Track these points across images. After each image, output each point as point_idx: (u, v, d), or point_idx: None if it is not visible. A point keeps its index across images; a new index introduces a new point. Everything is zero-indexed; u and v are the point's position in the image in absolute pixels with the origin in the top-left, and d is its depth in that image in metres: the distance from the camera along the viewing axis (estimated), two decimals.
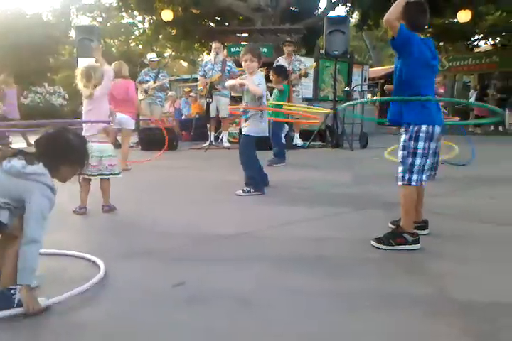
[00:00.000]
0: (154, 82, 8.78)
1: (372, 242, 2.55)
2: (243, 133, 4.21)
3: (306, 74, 8.18)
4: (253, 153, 4.19)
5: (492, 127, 14.87)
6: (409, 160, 2.51)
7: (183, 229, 2.97)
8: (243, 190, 4.08)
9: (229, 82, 4.43)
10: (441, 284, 2.08)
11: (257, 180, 4.15)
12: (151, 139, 7.78)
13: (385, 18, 2.41)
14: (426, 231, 2.75)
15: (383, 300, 1.89)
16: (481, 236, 2.86)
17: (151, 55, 9.43)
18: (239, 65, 7.48)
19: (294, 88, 7.99)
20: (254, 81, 4.05)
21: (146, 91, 8.63)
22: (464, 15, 13.82)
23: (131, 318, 1.74)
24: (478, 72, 19.00)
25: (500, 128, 14.57)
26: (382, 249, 2.50)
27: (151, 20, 17.05)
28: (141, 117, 8.99)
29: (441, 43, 19.71)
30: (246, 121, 4.17)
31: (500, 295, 1.96)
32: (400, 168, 2.56)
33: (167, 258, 2.41)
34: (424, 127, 2.48)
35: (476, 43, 21.49)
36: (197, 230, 2.95)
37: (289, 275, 2.16)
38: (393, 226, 2.87)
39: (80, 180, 3.13)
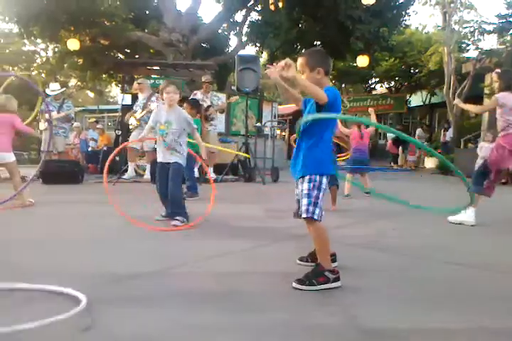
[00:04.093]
0: (58, 112, 8.37)
1: (294, 284, 2.45)
2: (173, 161, 4.23)
3: (222, 111, 8.44)
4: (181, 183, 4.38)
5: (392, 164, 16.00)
6: (315, 192, 2.51)
7: (89, 269, 2.76)
8: (178, 220, 4.10)
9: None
10: (349, 314, 2.11)
11: (185, 209, 4.23)
12: (55, 172, 7.32)
13: (321, 102, 2.41)
14: (335, 264, 2.76)
15: (294, 333, 1.88)
16: (387, 265, 2.99)
17: (54, 86, 8.98)
18: None
19: (212, 121, 8.16)
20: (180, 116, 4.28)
21: (50, 122, 8.18)
22: (362, 60, 15.03)
23: None
24: (376, 112, 20.64)
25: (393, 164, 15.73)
26: (305, 290, 2.41)
27: (56, 49, 16.46)
28: (42, 149, 8.47)
29: (343, 85, 21.19)
30: (168, 149, 4.26)
31: (403, 320, 2.02)
32: (305, 201, 2.52)
33: (74, 300, 2.20)
34: (324, 178, 2.56)
35: (373, 86, 23.40)
36: (104, 269, 2.76)
37: (203, 313, 2.08)
38: (302, 263, 2.90)
39: None
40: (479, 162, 9.20)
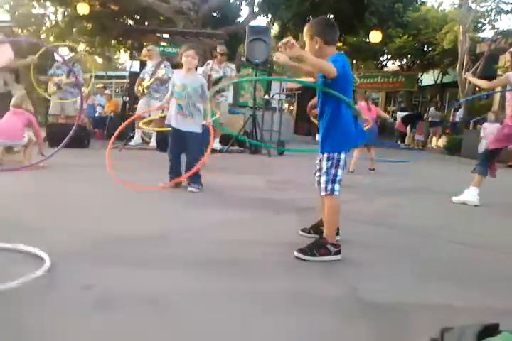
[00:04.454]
0: (67, 76, 8.32)
1: (296, 253, 2.49)
2: (189, 130, 4.24)
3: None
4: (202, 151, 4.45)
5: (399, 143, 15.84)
6: (333, 171, 2.56)
7: (92, 230, 2.80)
8: (194, 187, 4.22)
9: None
10: (351, 286, 2.14)
11: (200, 176, 4.33)
12: (62, 136, 7.31)
13: (331, 76, 2.38)
14: (337, 237, 2.78)
15: (296, 302, 1.92)
16: (390, 241, 3.03)
17: (63, 50, 8.90)
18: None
19: (223, 92, 8.12)
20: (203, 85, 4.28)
21: (58, 86, 8.15)
22: (375, 36, 14.74)
23: (35, 320, 1.60)
24: (386, 89, 20.36)
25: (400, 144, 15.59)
26: (305, 260, 2.45)
27: (65, 13, 16.22)
28: (50, 112, 8.47)
29: (354, 61, 20.85)
30: (182, 114, 4.26)
31: (405, 296, 2.06)
32: (324, 179, 2.58)
33: (74, 259, 2.25)
34: (343, 154, 2.59)
35: (384, 63, 23.04)
36: (107, 231, 2.80)
37: (204, 278, 2.12)
38: (304, 234, 2.94)
39: None
40: (483, 143, 9.17)
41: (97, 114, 11.97)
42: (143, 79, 8.11)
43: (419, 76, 21.19)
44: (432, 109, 16.57)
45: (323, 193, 2.58)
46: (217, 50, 8.37)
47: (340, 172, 2.57)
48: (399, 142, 15.76)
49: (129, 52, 14.78)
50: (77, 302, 1.77)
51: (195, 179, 4.29)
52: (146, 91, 8.02)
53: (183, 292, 1.94)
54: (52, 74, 8.37)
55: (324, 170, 2.58)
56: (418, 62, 21.05)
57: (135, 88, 8.29)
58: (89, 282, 1.94)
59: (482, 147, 9.11)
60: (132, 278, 2.06)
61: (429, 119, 15.45)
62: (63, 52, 8.66)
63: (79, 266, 2.16)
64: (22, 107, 5.44)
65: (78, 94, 9.11)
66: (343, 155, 2.57)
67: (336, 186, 2.55)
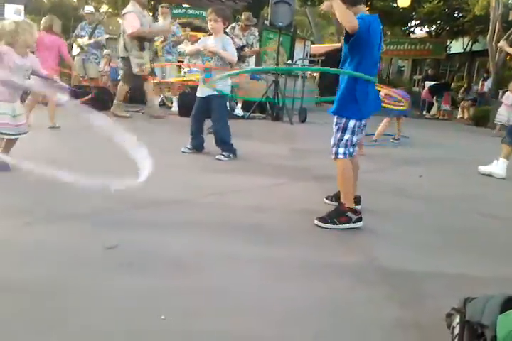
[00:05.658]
0: (89, 38, 8.25)
1: (316, 221, 2.50)
2: (215, 93, 4.15)
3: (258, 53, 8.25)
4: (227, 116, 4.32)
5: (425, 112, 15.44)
6: (339, 134, 2.56)
7: (119, 192, 2.84)
8: (223, 155, 4.13)
9: (190, 50, 4.34)
10: (369, 255, 2.18)
11: (232, 145, 4.22)
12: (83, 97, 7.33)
13: (349, 29, 2.33)
14: (358, 207, 2.78)
15: (313, 268, 1.96)
16: (410, 211, 3.03)
17: (88, 8, 8.89)
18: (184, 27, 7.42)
19: (247, 58, 7.97)
20: (224, 46, 4.11)
21: (81, 47, 8.11)
22: (403, 0, 14.14)
23: (61, 280, 1.67)
24: (413, 57, 19.73)
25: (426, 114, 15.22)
26: (326, 228, 2.46)
27: None
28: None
29: (381, 26, 20.14)
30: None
31: (422, 265, 2.08)
32: (331, 142, 2.61)
33: (101, 221, 2.32)
34: (351, 121, 2.54)
35: (412, 29, 22.22)
36: (134, 194, 2.84)
37: (225, 242, 2.17)
38: (328, 201, 2.96)
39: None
40: (501, 111, 9.02)
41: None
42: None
43: (448, 43, 20.43)
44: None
45: (331, 156, 2.61)
46: (243, 18, 8.12)
47: (347, 136, 2.54)
48: (424, 112, 15.38)
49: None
50: (103, 263, 1.84)
51: (227, 147, 4.23)
52: (159, 53, 7.87)
53: (205, 256, 2.00)
54: (76, 35, 8.33)
55: (334, 133, 2.61)
56: (447, 28, 20.23)
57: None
58: (114, 243, 2.00)
59: (501, 116, 8.98)
60: (156, 240, 2.12)
61: (465, 98, 14.86)
62: (90, 8, 8.71)
63: (104, 228, 2.23)
64: (53, 29, 5.16)
65: (102, 56, 9.10)
66: (352, 123, 2.54)
67: (341, 149, 2.55)
